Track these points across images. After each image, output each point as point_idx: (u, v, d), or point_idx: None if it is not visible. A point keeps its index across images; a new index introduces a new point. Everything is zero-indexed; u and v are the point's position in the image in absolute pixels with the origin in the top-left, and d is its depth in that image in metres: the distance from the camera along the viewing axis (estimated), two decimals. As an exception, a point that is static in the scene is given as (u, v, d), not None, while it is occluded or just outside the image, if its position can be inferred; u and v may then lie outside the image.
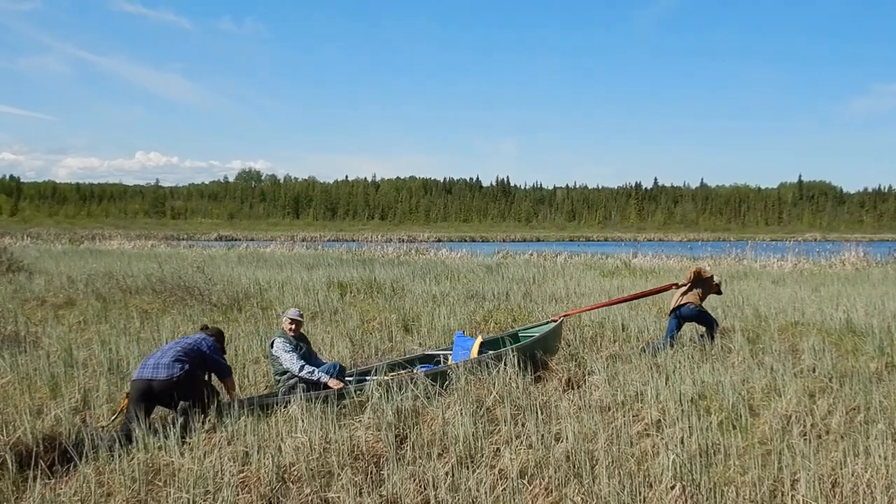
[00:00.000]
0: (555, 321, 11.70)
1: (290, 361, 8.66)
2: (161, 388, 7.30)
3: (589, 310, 12.92)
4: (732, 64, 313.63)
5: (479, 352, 10.02)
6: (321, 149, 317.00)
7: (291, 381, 8.60)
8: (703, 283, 11.83)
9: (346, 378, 8.96)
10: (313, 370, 8.64)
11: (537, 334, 11.29)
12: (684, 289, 11.77)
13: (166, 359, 7.44)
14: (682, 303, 11.60)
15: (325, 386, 8.49)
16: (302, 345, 9.04)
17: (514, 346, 10.51)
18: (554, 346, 11.05)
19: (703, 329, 11.73)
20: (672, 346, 10.95)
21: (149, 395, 7.34)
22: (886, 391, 8.30)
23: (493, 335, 11.81)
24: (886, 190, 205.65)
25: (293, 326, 9.02)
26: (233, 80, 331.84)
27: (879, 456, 6.09)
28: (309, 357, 8.98)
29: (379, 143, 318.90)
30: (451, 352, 10.57)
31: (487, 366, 8.90)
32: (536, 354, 10.22)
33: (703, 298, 11.79)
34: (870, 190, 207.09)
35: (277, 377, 8.82)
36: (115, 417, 7.65)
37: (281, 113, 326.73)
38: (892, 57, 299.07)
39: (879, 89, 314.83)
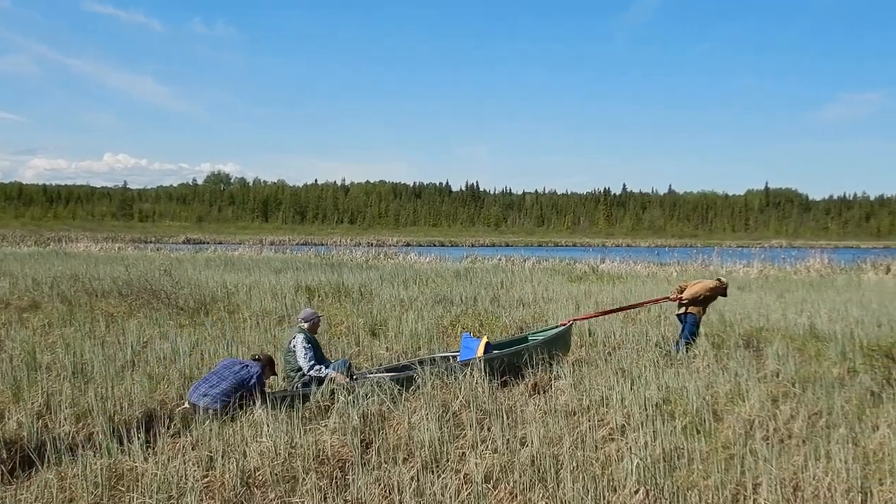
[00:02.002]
0: (564, 325, 11.81)
1: (303, 358, 8.96)
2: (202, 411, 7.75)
3: (596, 316, 13.07)
4: (701, 74, 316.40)
5: (485, 352, 10.19)
6: (291, 152, 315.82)
7: (305, 378, 8.89)
8: (712, 297, 12.21)
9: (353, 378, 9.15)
10: (321, 368, 8.95)
11: (545, 337, 11.38)
12: (688, 299, 12.06)
13: (216, 391, 7.96)
14: (687, 311, 12.00)
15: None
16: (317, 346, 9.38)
17: (522, 346, 10.77)
18: (562, 349, 11.19)
19: (685, 335, 11.91)
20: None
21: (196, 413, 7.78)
22: (848, 396, 8.40)
23: (503, 338, 12.01)
24: (851, 198, 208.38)
25: (308, 325, 9.45)
26: (204, 82, 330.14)
27: (840, 460, 6.16)
28: (321, 357, 9.28)
29: (349, 148, 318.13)
30: (458, 353, 10.68)
31: (454, 370, 8.91)
32: (543, 355, 10.35)
33: (705, 310, 12.22)
34: (835, 198, 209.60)
35: (291, 374, 9.07)
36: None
37: (252, 116, 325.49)
38: (859, 66, 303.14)
39: (846, 98, 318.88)
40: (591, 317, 13.02)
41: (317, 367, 8.96)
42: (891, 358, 9.10)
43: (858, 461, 6.27)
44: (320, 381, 8.75)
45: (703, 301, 12.06)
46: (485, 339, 10.41)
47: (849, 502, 5.64)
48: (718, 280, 12.34)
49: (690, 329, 11.86)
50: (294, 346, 9.13)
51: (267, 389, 8.55)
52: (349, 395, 8.06)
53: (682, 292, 12.20)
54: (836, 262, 33.75)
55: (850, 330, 12.83)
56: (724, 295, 12.66)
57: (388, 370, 9.78)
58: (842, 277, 27.33)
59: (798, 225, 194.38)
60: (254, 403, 7.92)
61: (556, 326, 12.06)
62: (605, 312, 13.06)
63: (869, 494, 5.76)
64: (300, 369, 8.99)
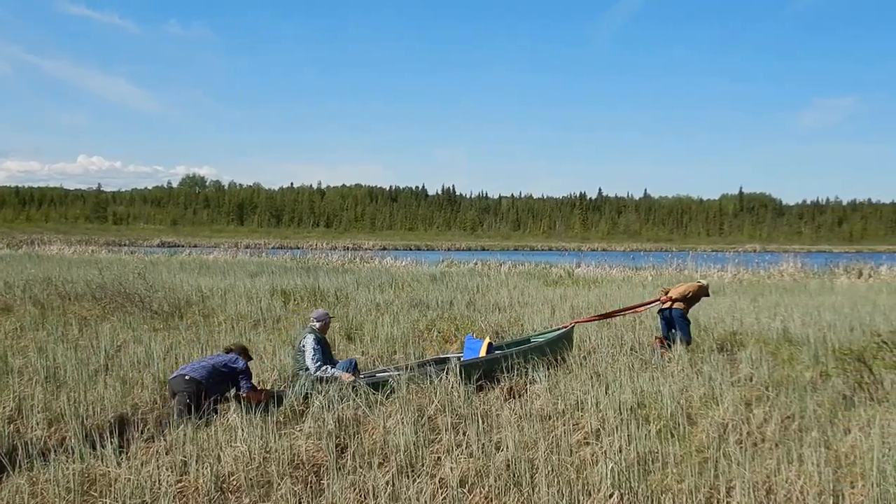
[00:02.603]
0: (565, 328, 12.18)
1: (311, 358, 9.23)
2: (188, 383, 8.05)
3: (597, 319, 13.31)
4: (676, 79, 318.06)
5: (488, 352, 10.51)
6: (267, 155, 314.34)
7: (313, 378, 9.02)
8: (695, 298, 12.64)
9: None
10: (327, 368, 9.20)
11: (546, 339, 11.65)
12: (677, 297, 12.43)
13: (200, 366, 8.33)
14: (672, 306, 12.36)
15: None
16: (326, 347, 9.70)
17: (523, 346, 11.12)
18: (563, 350, 11.40)
19: (678, 333, 12.17)
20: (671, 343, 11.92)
21: (180, 388, 8.05)
22: (820, 400, 8.47)
23: (506, 340, 12.25)
24: (824, 202, 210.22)
25: (320, 325, 9.79)
26: (180, 84, 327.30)
27: (812, 463, 6.21)
28: (330, 357, 9.61)
29: (325, 151, 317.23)
30: (462, 354, 10.89)
31: (429, 375, 8.91)
32: (544, 356, 10.64)
33: (689, 307, 12.57)
34: (808, 202, 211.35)
35: (300, 373, 9.26)
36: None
37: (228, 118, 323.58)
38: (834, 71, 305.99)
39: (820, 104, 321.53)
40: (592, 320, 13.21)
41: (323, 367, 9.18)
42: (863, 362, 9.17)
43: (830, 464, 6.32)
44: (325, 380, 8.91)
45: (689, 300, 12.48)
46: (487, 340, 10.77)
47: (820, 505, 5.70)
48: (699, 283, 12.79)
49: (682, 326, 12.22)
50: (304, 346, 9.39)
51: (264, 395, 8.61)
52: (355, 395, 8.31)
53: (666, 294, 12.60)
54: (809, 267, 34.02)
55: (822, 334, 12.95)
56: (707, 295, 13.09)
57: (397, 370, 9.85)
58: (815, 282, 27.55)
59: (772, 229, 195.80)
60: (249, 391, 8.41)
61: (558, 329, 12.39)
62: (605, 316, 13.37)
63: (841, 497, 5.81)
64: (307, 369, 9.21)
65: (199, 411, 7.87)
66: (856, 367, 9.17)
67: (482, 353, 10.49)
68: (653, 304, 13.12)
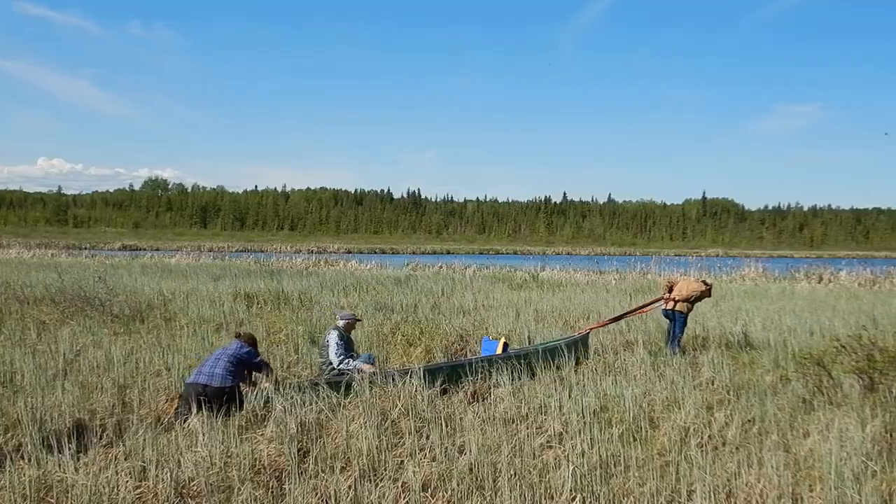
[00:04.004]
0: (580, 334, 12.61)
1: (335, 353, 9.88)
2: (213, 393, 8.25)
3: (609, 322, 13.67)
4: (640, 83, 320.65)
5: (503, 351, 11.13)
6: (231, 158, 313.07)
7: (336, 371, 9.75)
8: (699, 300, 13.07)
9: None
10: (349, 360, 9.84)
11: (562, 342, 11.90)
12: (683, 298, 12.83)
13: (219, 369, 8.50)
14: (675, 308, 12.77)
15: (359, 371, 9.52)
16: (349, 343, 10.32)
17: (539, 347, 11.49)
18: (580, 354, 11.75)
19: (676, 331, 12.74)
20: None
21: (201, 397, 8.19)
22: (780, 403, 8.55)
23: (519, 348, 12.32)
24: (786, 208, 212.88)
25: (344, 324, 10.40)
26: (143, 86, 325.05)
27: (772, 466, 6.25)
28: (352, 353, 10.20)
29: (290, 154, 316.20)
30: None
31: (393, 378, 8.90)
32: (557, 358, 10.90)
33: (691, 308, 12.96)
34: (770, 208, 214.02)
35: (324, 367, 10.02)
36: (170, 415, 8.23)
37: (191, 121, 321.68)
38: (795, 78, 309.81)
39: (782, 110, 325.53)
40: (605, 324, 13.65)
41: (345, 360, 9.82)
42: (822, 366, 9.26)
43: (790, 467, 6.38)
44: (347, 372, 9.56)
45: (694, 300, 12.89)
46: (503, 340, 11.49)
47: (780, 507, 5.74)
48: (705, 282, 13.22)
49: (681, 326, 12.74)
50: (328, 342, 10.07)
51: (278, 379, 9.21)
52: (371, 386, 8.71)
53: (670, 289, 13.07)
54: (770, 271, 34.45)
55: (783, 338, 13.10)
56: (709, 296, 13.53)
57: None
58: (776, 286, 27.86)
59: (734, 234, 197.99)
60: (266, 377, 8.96)
61: (571, 336, 12.77)
62: (616, 319, 13.81)
63: (800, 500, 5.87)
64: (330, 363, 9.87)
65: (225, 412, 8.11)
66: (815, 371, 9.26)
67: (499, 350, 11.14)
68: (657, 303, 13.45)
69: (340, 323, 10.41)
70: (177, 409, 8.31)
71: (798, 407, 8.50)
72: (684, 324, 12.77)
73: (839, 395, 8.79)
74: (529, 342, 13.06)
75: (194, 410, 7.92)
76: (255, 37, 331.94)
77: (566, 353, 11.14)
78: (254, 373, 9.05)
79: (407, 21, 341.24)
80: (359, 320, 11.23)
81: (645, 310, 13.80)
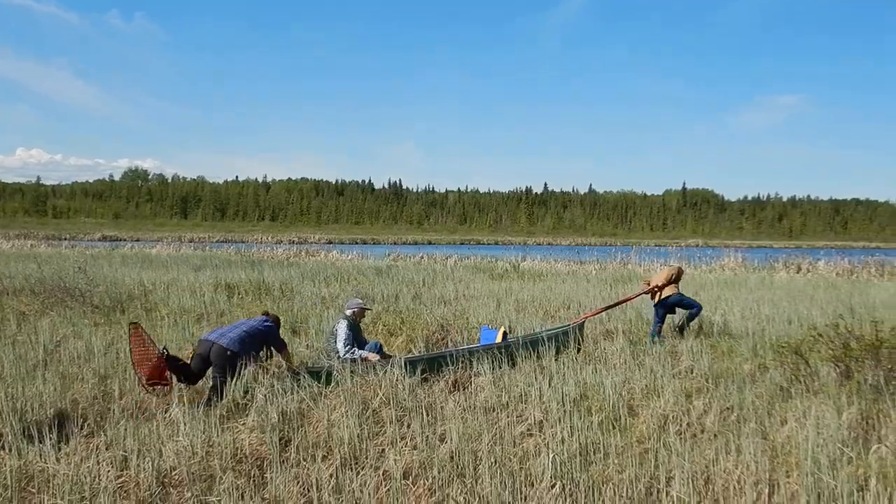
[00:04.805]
0: (576, 322, 12.66)
1: (342, 342, 9.98)
2: (217, 351, 8.52)
3: (602, 311, 13.87)
4: (621, 75, 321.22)
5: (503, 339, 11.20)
6: (212, 148, 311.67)
7: (342, 359, 9.70)
8: (678, 279, 13.49)
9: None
10: (354, 350, 9.95)
11: (556, 330, 12.02)
12: (663, 284, 13.25)
13: (233, 333, 8.78)
14: (666, 295, 13.15)
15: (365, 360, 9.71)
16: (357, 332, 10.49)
17: (542, 334, 11.50)
18: (574, 343, 11.77)
19: (693, 309, 13.20)
20: (661, 333, 12.94)
21: (205, 354, 8.62)
22: (758, 391, 8.61)
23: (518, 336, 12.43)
24: (765, 199, 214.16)
25: (352, 313, 10.54)
26: (123, 77, 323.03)
27: (749, 453, 6.31)
28: (361, 341, 10.38)
29: (271, 144, 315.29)
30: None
31: (374, 367, 8.93)
32: (553, 346, 10.99)
33: (678, 287, 13.40)
34: (749, 198, 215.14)
35: (331, 354, 10.08)
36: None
37: (172, 112, 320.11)
38: (777, 70, 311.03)
39: (763, 102, 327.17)
40: (598, 312, 13.78)
41: (351, 349, 9.92)
42: (799, 354, 9.34)
43: (767, 454, 6.44)
44: (353, 361, 9.56)
45: (675, 281, 13.33)
46: (503, 329, 11.49)
47: (757, 494, 5.79)
48: (675, 265, 14.32)
49: (689, 302, 13.27)
50: (336, 330, 10.21)
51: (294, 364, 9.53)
52: (381, 371, 8.87)
53: (651, 289, 13.36)
54: (749, 262, 34.59)
55: (761, 327, 13.21)
56: (682, 275, 13.92)
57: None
58: (755, 276, 28.00)
59: (714, 225, 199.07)
60: (271, 356, 9.37)
61: (566, 325, 12.81)
62: (608, 307, 14.02)
63: (776, 486, 5.93)
64: (338, 351, 9.96)
65: (234, 379, 8.39)
66: (793, 360, 9.33)
67: (498, 339, 11.20)
68: (641, 295, 13.88)
69: (348, 312, 10.53)
70: (190, 360, 8.80)
71: (776, 395, 8.57)
72: (686, 297, 13.34)
73: (816, 384, 8.86)
74: (510, 332, 13.10)
75: (222, 377, 8.33)
76: (235, 29, 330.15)
77: (569, 339, 11.54)
78: (272, 350, 9.33)
79: (388, 15, 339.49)
80: (368, 309, 11.24)
81: (632, 298, 14.18)
